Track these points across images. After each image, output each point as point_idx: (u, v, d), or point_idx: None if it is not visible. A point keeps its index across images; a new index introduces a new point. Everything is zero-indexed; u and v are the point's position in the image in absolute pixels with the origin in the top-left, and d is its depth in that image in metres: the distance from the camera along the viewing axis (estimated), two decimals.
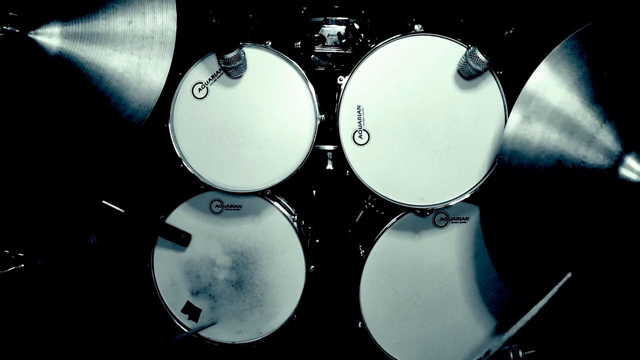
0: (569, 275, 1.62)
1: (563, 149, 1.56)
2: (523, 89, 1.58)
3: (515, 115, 1.59)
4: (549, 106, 1.56)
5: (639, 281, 1.64)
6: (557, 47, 1.54)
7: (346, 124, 1.92)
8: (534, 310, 1.62)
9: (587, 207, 1.59)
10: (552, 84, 1.55)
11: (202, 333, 2.25)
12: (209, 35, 1.82)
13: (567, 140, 1.55)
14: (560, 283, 1.61)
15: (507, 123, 1.61)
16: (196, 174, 1.99)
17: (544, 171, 1.58)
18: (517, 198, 1.66)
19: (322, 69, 2.54)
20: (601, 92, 1.53)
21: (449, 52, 1.86)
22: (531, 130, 1.58)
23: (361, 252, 2.18)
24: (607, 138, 1.52)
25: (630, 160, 1.50)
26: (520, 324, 1.63)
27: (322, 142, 2.25)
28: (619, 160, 1.51)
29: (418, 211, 2.05)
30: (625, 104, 1.53)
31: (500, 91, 1.87)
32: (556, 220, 1.64)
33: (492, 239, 1.93)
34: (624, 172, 1.51)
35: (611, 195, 1.54)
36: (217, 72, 1.96)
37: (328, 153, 2.29)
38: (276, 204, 2.16)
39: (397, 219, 2.09)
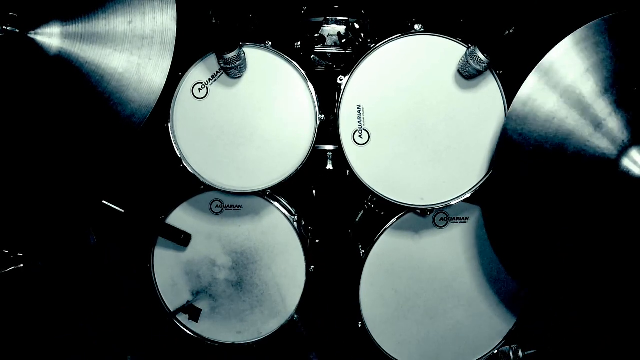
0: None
1: (569, 127, 1.54)
2: (543, 59, 1.55)
3: (531, 80, 1.57)
4: (564, 81, 1.54)
5: (638, 278, 1.64)
6: (583, 27, 1.52)
7: (346, 124, 1.92)
8: None
9: (587, 198, 1.58)
10: (572, 60, 1.53)
11: (202, 333, 2.25)
12: (209, 35, 1.82)
13: (575, 118, 1.53)
14: None
15: (521, 88, 1.58)
16: (196, 174, 1.99)
17: (547, 150, 1.56)
18: (519, 186, 1.65)
19: (322, 69, 2.54)
20: (618, 80, 1.51)
21: (449, 52, 1.86)
22: (542, 99, 1.55)
23: (361, 252, 2.18)
24: (615, 126, 1.50)
25: (634, 153, 1.49)
26: None
27: (322, 142, 2.24)
28: (623, 151, 1.50)
29: (418, 211, 2.04)
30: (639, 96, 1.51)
31: (500, 91, 1.87)
32: (555, 213, 1.63)
33: (493, 229, 1.92)
34: (626, 163, 1.49)
35: (611, 187, 1.53)
36: (217, 72, 1.96)
37: (328, 153, 2.29)
38: (276, 204, 2.16)
39: (397, 219, 2.09)
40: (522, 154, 1.60)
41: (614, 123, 1.51)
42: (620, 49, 1.51)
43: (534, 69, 1.56)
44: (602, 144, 1.51)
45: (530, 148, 1.59)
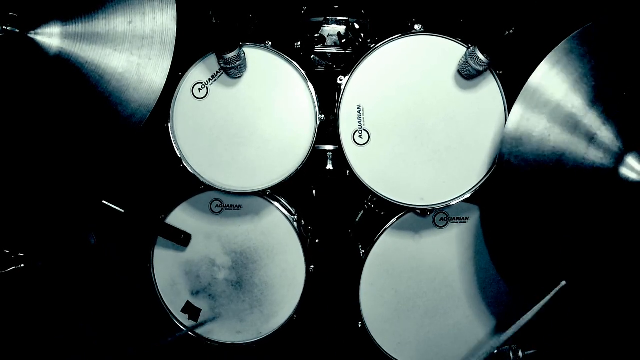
0: (563, 283, 1.63)
1: (564, 146, 1.56)
2: (526, 84, 1.58)
3: (518, 108, 1.60)
4: (551, 102, 1.56)
5: (638, 281, 1.64)
6: (559, 45, 1.55)
7: (346, 124, 1.92)
8: (527, 317, 1.63)
9: (588, 206, 1.59)
10: (554, 80, 1.55)
11: (202, 333, 2.25)
12: (209, 35, 1.82)
13: (568, 136, 1.55)
14: (555, 291, 1.62)
15: (509, 116, 1.61)
16: (196, 174, 1.99)
17: (545, 169, 1.58)
18: (517, 197, 1.66)
19: (322, 69, 2.54)
20: (603, 91, 1.53)
21: (449, 52, 1.86)
22: (533, 124, 1.58)
23: (361, 252, 2.18)
24: (608, 137, 1.52)
25: (630, 160, 1.50)
26: (512, 330, 1.64)
27: (322, 142, 2.24)
28: (619, 160, 1.51)
29: (418, 211, 2.04)
30: (626, 103, 1.53)
31: (500, 91, 1.87)
32: (556, 220, 1.64)
33: (491, 237, 1.94)
34: (624, 171, 1.51)
35: (611, 195, 1.54)
36: (217, 72, 1.96)
37: (328, 153, 2.29)
38: (276, 204, 2.16)
39: (397, 219, 2.09)
40: (520, 175, 1.62)
41: (606, 133, 1.53)
42: (600, 59, 1.53)
43: (521, 93, 1.59)
44: (599, 156, 1.53)
45: (529, 169, 1.61)
